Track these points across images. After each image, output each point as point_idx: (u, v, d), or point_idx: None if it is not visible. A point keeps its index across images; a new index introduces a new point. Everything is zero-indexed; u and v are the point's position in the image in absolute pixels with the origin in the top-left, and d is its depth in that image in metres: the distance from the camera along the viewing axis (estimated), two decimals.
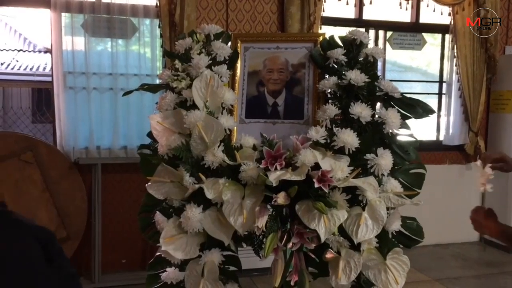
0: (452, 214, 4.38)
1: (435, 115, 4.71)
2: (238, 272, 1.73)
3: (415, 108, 1.70)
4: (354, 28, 1.84)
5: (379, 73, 4.54)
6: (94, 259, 3.57)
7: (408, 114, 1.70)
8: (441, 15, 4.41)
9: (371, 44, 1.85)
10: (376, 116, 1.65)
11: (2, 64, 8.28)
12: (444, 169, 4.57)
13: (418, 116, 1.69)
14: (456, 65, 4.49)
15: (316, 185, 1.48)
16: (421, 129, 4.53)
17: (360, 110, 1.63)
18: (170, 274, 1.66)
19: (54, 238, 1.09)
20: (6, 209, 1.05)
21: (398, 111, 1.67)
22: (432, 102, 4.83)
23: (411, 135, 1.72)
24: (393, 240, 1.63)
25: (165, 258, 1.63)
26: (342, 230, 1.56)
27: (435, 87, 4.81)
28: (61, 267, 1.09)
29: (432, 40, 4.83)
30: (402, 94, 1.72)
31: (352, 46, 1.79)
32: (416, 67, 6.29)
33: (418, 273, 3.80)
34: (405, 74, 6.00)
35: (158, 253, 1.68)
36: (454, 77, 4.57)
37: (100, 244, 3.59)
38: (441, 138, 4.76)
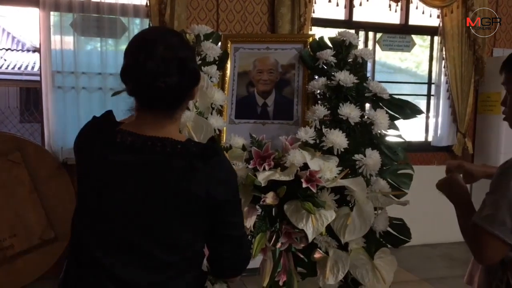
0: (440, 215, 4.39)
1: (423, 116, 4.75)
2: None
3: (403, 109, 1.72)
4: (343, 30, 1.85)
5: (368, 74, 4.57)
6: None
7: (397, 115, 1.72)
8: (430, 17, 4.45)
9: (360, 45, 1.86)
10: (365, 117, 1.66)
11: None
12: (432, 170, 4.58)
13: (406, 117, 1.71)
14: (444, 67, 4.53)
15: (305, 185, 1.49)
16: (410, 130, 4.57)
17: (349, 111, 1.64)
18: None
19: (233, 202, 1.19)
20: None
21: (387, 112, 1.69)
22: (421, 103, 4.87)
23: (399, 136, 1.74)
24: (381, 240, 1.64)
25: None
26: (330, 230, 1.57)
27: (424, 89, 4.85)
28: (221, 226, 1.16)
29: (422, 41, 4.88)
30: (390, 95, 1.74)
31: (342, 47, 1.80)
32: (406, 68, 6.35)
33: (406, 273, 3.83)
34: (394, 75, 6.05)
35: None
36: (443, 78, 4.62)
37: None
38: (430, 139, 4.80)
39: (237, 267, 1.26)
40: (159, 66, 1.04)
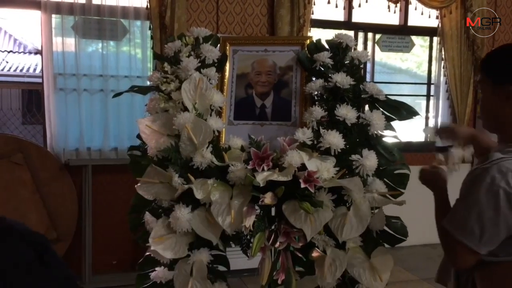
0: None
1: (423, 117, 4.77)
2: (228, 272, 1.75)
3: (399, 110, 1.74)
4: (340, 32, 1.87)
5: (368, 75, 4.58)
6: (85, 260, 3.57)
7: (393, 116, 1.74)
8: (429, 18, 4.47)
9: (360, 46, 1.89)
10: (361, 118, 1.69)
11: None
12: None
13: (402, 118, 1.73)
14: (443, 67, 4.55)
15: (303, 186, 1.51)
16: (410, 131, 4.59)
17: (346, 112, 1.67)
18: (159, 273, 1.68)
19: (47, 242, 1.09)
20: None
21: (383, 113, 1.71)
22: (421, 103, 4.90)
23: (395, 137, 1.76)
24: (378, 239, 1.67)
25: (155, 258, 1.65)
26: (327, 229, 1.60)
27: (423, 89, 4.87)
28: (58, 270, 1.09)
29: (422, 42, 4.90)
30: (387, 96, 1.76)
31: (338, 49, 1.82)
32: (406, 68, 6.37)
33: (406, 273, 3.85)
34: (394, 75, 6.07)
35: (147, 253, 1.70)
36: (442, 79, 4.64)
37: (91, 245, 3.59)
38: (429, 139, 4.82)
39: None
40: None
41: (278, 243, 1.60)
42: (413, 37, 4.57)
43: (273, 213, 1.67)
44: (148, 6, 3.61)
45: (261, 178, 1.54)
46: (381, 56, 4.88)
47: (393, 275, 1.64)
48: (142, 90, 1.98)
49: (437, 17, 4.47)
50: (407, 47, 4.56)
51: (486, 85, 1.34)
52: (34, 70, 8.32)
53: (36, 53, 8.74)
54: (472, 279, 1.34)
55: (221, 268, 1.74)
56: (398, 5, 4.33)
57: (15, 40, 9.63)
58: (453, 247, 1.28)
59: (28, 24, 8.66)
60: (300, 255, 1.70)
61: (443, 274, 1.47)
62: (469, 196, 1.25)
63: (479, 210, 1.21)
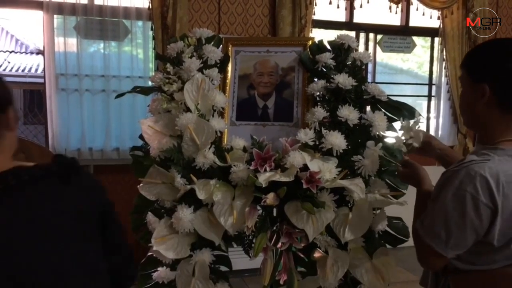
0: None
1: (424, 117, 4.77)
2: (230, 272, 1.76)
3: (401, 111, 1.74)
4: (342, 33, 1.88)
5: (369, 75, 4.57)
6: None
7: (394, 117, 1.75)
8: (430, 18, 4.47)
9: (361, 47, 1.89)
10: (363, 118, 1.69)
11: None
12: (434, 170, 4.58)
13: (404, 118, 1.73)
14: (445, 68, 4.55)
15: (305, 186, 1.52)
16: None
17: (348, 113, 1.67)
18: (161, 273, 1.68)
19: (113, 206, 1.14)
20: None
21: (385, 114, 1.72)
22: (422, 104, 4.89)
23: (397, 137, 1.76)
24: (379, 239, 1.67)
25: (157, 258, 1.66)
26: (329, 230, 1.60)
27: (425, 90, 4.87)
28: (113, 234, 1.12)
29: (424, 42, 4.90)
30: (388, 97, 1.76)
31: (340, 50, 1.83)
32: (408, 69, 6.36)
33: (407, 273, 3.85)
34: (396, 76, 6.07)
35: (149, 253, 1.71)
36: (443, 79, 4.64)
37: None
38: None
39: (133, 276, 1.22)
40: None
41: (280, 244, 1.61)
42: (415, 38, 4.57)
43: (275, 214, 1.68)
44: (150, 7, 3.61)
45: (263, 178, 1.54)
46: (382, 56, 4.88)
47: (394, 275, 1.64)
48: (145, 91, 1.98)
49: (438, 18, 4.46)
50: (409, 48, 4.56)
51: (465, 83, 1.32)
52: (36, 70, 8.33)
53: (38, 54, 8.76)
54: (448, 285, 1.34)
55: (223, 268, 1.75)
56: (400, 5, 4.33)
57: (17, 40, 9.65)
58: (422, 249, 1.27)
59: (30, 25, 8.68)
60: (302, 255, 1.71)
61: (424, 277, 1.47)
62: (438, 199, 1.23)
63: (446, 214, 1.19)
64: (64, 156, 1.03)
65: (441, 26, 4.46)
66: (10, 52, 9.10)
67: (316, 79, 1.85)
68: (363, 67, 1.84)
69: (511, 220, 1.18)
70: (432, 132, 4.80)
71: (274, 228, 1.66)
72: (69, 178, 0.97)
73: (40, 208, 0.93)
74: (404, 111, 1.72)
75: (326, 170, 1.57)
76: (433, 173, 1.43)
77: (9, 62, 8.57)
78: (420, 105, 5.12)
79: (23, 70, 8.33)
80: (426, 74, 4.91)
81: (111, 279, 1.09)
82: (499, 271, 1.23)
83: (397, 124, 1.77)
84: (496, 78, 1.23)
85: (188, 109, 1.72)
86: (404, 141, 1.54)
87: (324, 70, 1.82)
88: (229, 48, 1.97)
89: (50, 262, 0.92)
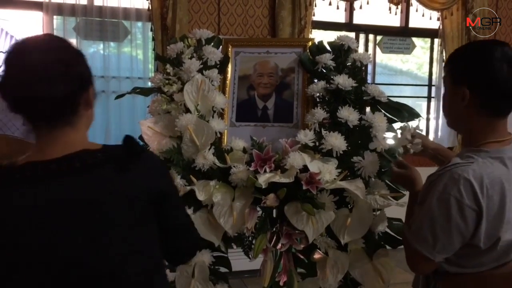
0: None
1: (424, 118, 4.77)
2: (229, 274, 1.76)
3: (401, 112, 1.74)
4: (342, 34, 1.87)
5: (369, 76, 4.58)
6: None
7: (395, 118, 1.74)
8: (430, 19, 4.47)
9: (361, 48, 1.89)
10: (363, 119, 1.69)
11: None
12: (433, 171, 4.61)
13: (404, 119, 1.73)
14: None
15: (304, 187, 1.52)
16: None
17: (348, 114, 1.67)
18: None
19: (174, 190, 1.16)
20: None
21: (385, 115, 1.72)
22: (422, 105, 4.89)
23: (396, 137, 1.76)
24: (379, 240, 1.67)
25: None
26: (329, 231, 1.60)
27: (424, 91, 4.87)
28: (171, 219, 1.11)
29: (423, 43, 4.90)
30: (388, 98, 1.76)
31: (340, 51, 1.82)
32: (407, 70, 6.36)
33: (407, 274, 3.83)
34: (395, 77, 6.07)
35: None
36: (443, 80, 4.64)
37: None
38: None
39: (194, 252, 1.31)
40: (38, 74, 0.93)
41: (280, 245, 1.61)
42: (414, 39, 4.58)
43: (275, 215, 1.68)
44: (150, 8, 3.62)
45: (263, 179, 1.54)
46: (382, 57, 4.88)
47: (393, 276, 1.64)
48: (144, 92, 1.98)
49: (438, 19, 4.47)
50: (408, 49, 4.57)
51: (447, 84, 1.32)
52: None
53: None
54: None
55: (223, 269, 1.74)
56: (399, 7, 4.33)
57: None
58: (411, 254, 1.28)
59: (29, 25, 8.67)
60: (302, 256, 1.70)
61: (416, 280, 1.47)
62: (424, 203, 1.23)
63: (432, 219, 1.20)
64: (132, 139, 1.05)
65: (441, 27, 4.47)
66: None
67: (316, 80, 1.84)
68: (363, 68, 1.84)
69: (495, 222, 1.19)
70: (431, 133, 4.80)
71: (274, 229, 1.65)
72: (128, 163, 0.99)
73: (95, 192, 0.95)
74: (404, 112, 1.72)
75: (326, 171, 1.57)
76: (428, 174, 1.42)
77: None
78: (420, 106, 5.12)
79: None
80: (426, 75, 4.91)
81: (172, 261, 1.18)
82: (488, 273, 1.24)
83: (396, 125, 1.77)
84: (476, 83, 1.23)
85: (187, 110, 1.72)
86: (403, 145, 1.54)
87: (324, 71, 1.81)
88: (229, 49, 1.97)
89: (100, 244, 0.94)
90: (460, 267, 1.26)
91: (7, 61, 0.96)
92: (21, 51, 0.96)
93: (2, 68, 0.95)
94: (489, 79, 1.21)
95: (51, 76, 0.94)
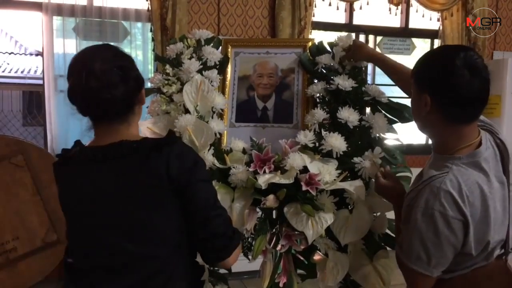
0: None
1: None
2: (229, 275, 1.75)
3: (401, 112, 1.73)
4: (342, 34, 1.87)
5: (369, 77, 4.56)
6: None
7: (395, 119, 1.74)
8: (430, 20, 4.47)
9: None
10: (364, 120, 1.68)
11: None
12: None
13: (404, 120, 1.73)
14: None
15: (304, 188, 1.51)
16: (411, 133, 4.58)
17: (348, 115, 1.66)
18: None
19: (201, 180, 1.19)
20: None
21: (385, 116, 1.71)
22: None
23: (397, 139, 1.75)
24: (380, 242, 1.66)
25: None
26: (329, 232, 1.59)
27: None
28: (196, 208, 1.17)
29: (423, 44, 4.89)
30: (389, 98, 1.76)
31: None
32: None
33: None
34: None
35: None
36: None
37: None
38: (430, 141, 4.81)
39: (221, 250, 1.23)
40: (101, 81, 1.10)
41: (279, 246, 1.60)
42: (414, 40, 4.57)
43: (274, 216, 1.67)
44: (149, 8, 3.61)
45: (262, 180, 1.53)
46: None
47: (394, 277, 1.63)
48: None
49: (438, 20, 4.46)
50: (408, 50, 4.56)
51: (413, 89, 1.31)
52: (35, 71, 8.33)
53: (37, 55, 8.76)
54: None
55: (222, 270, 1.73)
56: (399, 7, 4.33)
57: (16, 41, 9.65)
58: (408, 273, 1.27)
59: (29, 26, 8.67)
60: (301, 258, 1.70)
61: None
62: (409, 222, 1.22)
63: (421, 236, 1.19)
64: (171, 132, 1.27)
65: (441, 28, 4.46)
66: (9, 54, 9.10)
67: (316, 81, 1.84)
68: (363, 68, 1.84)
69: (482, 226, 1.19)
70: None
71: (274, 230, 1.65)
72: (151, 152, 1.12)
73: (122, 179, 1.13)
74: (404, 113, 1.71)
75: (326, 172, 1.56)
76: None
77: (8, 64, 8.57)
78: None
79: (22, 72, 8.33)
80: None
81: (200, 252, 1.23)
82: (479, 271, 1.25)
83: (400, 125, 1.77)
84: (437, 89, 1.22)
85: (187, 111, 1.72)
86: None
87: (324, 71, 1.81)
88: (229, 50, 1.97)
89: (124, 225, 1.13)
90: (453, 272, 1.26)
91: (73, 71, 1.13)
92: (84, 62, 1.12)
93: (69, 77, 1.14)
94: (449, 85, 1.19)
95: (112, 81, 1.11)
